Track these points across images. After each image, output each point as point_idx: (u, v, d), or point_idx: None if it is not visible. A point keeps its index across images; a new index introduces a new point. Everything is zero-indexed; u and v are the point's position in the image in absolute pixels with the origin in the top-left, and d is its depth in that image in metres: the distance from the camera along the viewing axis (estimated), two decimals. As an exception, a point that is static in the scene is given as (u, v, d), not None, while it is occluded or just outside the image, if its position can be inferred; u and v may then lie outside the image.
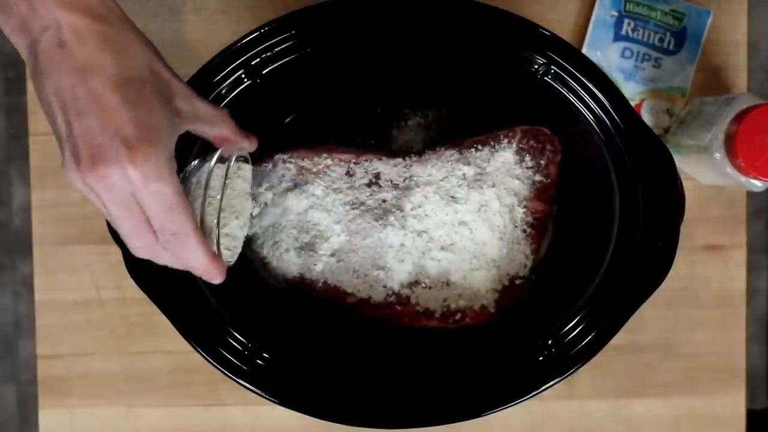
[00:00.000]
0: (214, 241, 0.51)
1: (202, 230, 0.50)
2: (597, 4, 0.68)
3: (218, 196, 0.51)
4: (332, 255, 0.59)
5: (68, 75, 0.43)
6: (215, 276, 0.50)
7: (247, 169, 0.55)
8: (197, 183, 0.51)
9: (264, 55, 0.55)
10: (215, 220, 0.51)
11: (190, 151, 0.53)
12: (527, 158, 0.60)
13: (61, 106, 0.43)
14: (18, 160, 1.31)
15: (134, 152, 0.43)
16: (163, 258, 0.48)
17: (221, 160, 0.52)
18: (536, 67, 0.56)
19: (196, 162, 0.52)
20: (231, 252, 0.54)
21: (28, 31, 0.44)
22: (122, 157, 0.43)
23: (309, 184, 0.59)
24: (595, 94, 0.55)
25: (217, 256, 0.50)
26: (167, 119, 0.45)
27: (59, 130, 0.44)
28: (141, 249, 0.47)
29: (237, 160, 0.54)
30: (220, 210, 0.51)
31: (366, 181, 0.59)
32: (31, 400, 1.31)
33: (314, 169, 0.59)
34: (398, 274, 0.59)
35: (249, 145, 0.54)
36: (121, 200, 0.44)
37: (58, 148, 0.45)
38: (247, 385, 0.56)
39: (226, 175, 0.52)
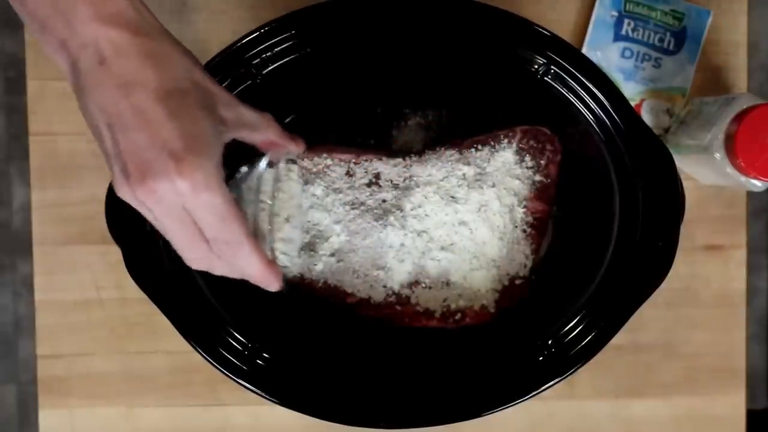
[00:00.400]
0: (269, 247, 0.51)
1: (256, 237, 0.50)
2: (597, 4, 0.68)
3: (270, 201, 0.51)
4: (332, 255, 0.59)
5: (111, 91, 0.43)
6: (272, 282, 0.49)
7: (296, 170, 0.55)
8: (248, 189, 0.51)
9: (264, 55, 0.55)
10: (269, 226, 0.51)
11: (238, 158, 0.53)
12: (527, 158, 0.60)
13: (107, 123, 0.43)
14: (18, 160, 1.31)
15: (182, 164, 0.43)
16: (218, 268, 0.48)
17: (270, 164, 0.52)
18: (536, 67, 0.56)
19: (245, 168, 0.52)
20: (287, 256, 0.54)
21: (68, 50, 0.43)
22: (170, 169, 0.42)
23: (309, 184, 0.59)
24: (595, 94, 0.55)
25: (272, 262, 0.49)
26: (212, 128, 0.45)
27: (106, 147, 0.44)
28: (196, 260, 0.47)
29: (285, 162, 0.54)
30: (273, 215, 0.51)
31: (366, 181, 0.59)
32: (31, 400, 1.31)
33: (314, 169, 0.59)
34: (398, 274, 0.59)
35: (296, 148, 0.54)
36: (173, 213, 0.44)
37: (107, 166, 0.44)
38: (247, 385, 0.56)
39: (277, 179, 0.52)
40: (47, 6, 0.43)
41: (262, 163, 0.51)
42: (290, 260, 0.54)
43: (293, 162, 0.55)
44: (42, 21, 0.43)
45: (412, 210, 0.59)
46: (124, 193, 0.44)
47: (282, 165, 0.52)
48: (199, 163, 0.43)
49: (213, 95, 0.46)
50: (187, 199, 0.44)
